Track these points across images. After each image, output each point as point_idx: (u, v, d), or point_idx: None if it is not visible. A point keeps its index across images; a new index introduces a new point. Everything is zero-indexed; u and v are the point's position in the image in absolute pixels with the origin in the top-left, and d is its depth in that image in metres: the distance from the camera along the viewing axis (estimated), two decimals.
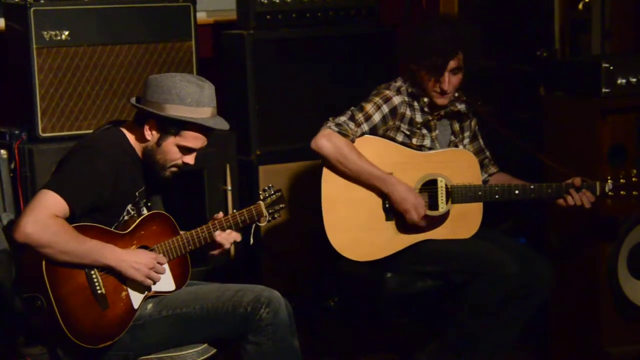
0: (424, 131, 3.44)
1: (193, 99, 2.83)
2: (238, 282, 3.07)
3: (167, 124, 2.85)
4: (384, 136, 3.41)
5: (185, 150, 2.89)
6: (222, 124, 2.91)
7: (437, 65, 3.32)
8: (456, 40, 3.32)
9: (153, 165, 2.91)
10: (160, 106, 2.83)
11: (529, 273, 3.33)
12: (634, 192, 3.37)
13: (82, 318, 2.74)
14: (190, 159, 2.90)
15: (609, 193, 3.38)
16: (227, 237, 3.00)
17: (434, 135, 3.46)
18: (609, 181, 3.37)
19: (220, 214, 3.02)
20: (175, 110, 2.83)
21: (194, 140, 2.88)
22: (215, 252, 3.05)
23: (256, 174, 4.06)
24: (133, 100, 2.93)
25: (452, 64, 3.34)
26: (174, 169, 2.92)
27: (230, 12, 4.30)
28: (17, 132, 3.73)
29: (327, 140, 3.31)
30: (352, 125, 3.34)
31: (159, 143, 2.87)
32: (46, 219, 2.67)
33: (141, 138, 2.90)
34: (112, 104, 3.82)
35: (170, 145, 2.87)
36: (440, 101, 3.40)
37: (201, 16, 4.22)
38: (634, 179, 3.37)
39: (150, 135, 2.87)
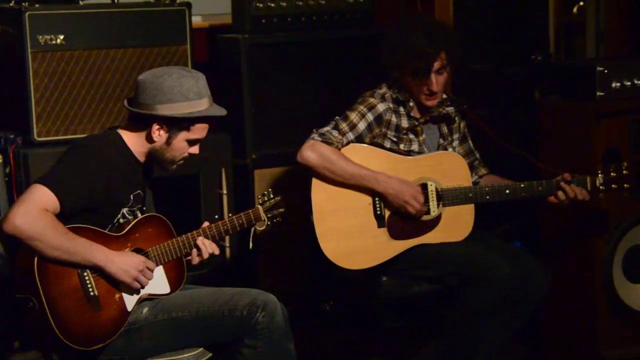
0: (411, 136, 3.44)
1: (194, 92, 2.87)
2: (234, 286, 3.07)
3: (176, 123, 2.87)
4: (371, 144, 3.41)
5: (192, 142, 2.93)
6: (221, 109, 2.96)
7: (422, 69, 3.31)
8: (436, 41, 3.31)
9: (161, 163, 2.95)
10: (168, 107, 2.85)
11: (524, 276, 3.33)
12: (625, 185, 3.37)
13: (74, 319, 2.73)
14: (196, 149, 2.96)
15: (600, 187, 3.37)
16: (209, 247, 2.97)
17: (421, 139, 3.46)
18: (600, 175, 3.37)
19: (206, 223, 3.01)
20: (183, 108, 2.86)
21: (202, 131, 2.93)
22: (193, 259, 3.01)
23: (251, 178, 4.06)
24: (126, 103, 2.93)
25: (436, 65, 3.33)
26: (181, 162, 2.97)
27: (225, 16, 4.30)
28: (12, 136, 3.72)
29: (311, 151, 3.31)
30: (335, 133, 3.34)
31: (168, 142, 2.90)
32: (36, 211, 2.67)
33: (143, 140, 2.91)
34: (108, 108, 3.82)
35: (180, 141, 2.91)
36: (430, 103, 3.40)
37: (196, 20, 4.22)
38: (624, 172, 3.36)
39: (159, 136, 2.89)
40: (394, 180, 3.32)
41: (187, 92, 2.86)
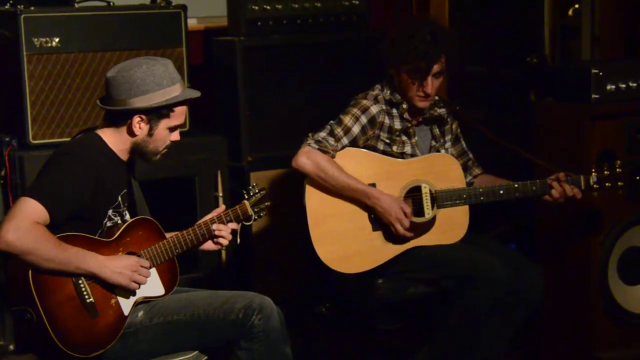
0: (404, 138, 3.45)
1: (167, 79, 2.87)
2: (229, 288, 3.07)
3: (156, 112, 2.87)
4: (365, 146, 3.41)
5: (173, 129, 2.93)
6: (195, 91, 2.96)
7: (421, 70, 3.32)
8: (439, 44, 3.32)
9: (144, 155, 2.94)
10: (145, 98, 2.84)
11: (520, 278, 3.33)
12: (619, 183, 3.37)
13: (73, 328, 2.73)
14: (176, 136, 2.95)
15: (594, 186, 3.37)
16: (226, 229, 3.00)
17: (414, 141, 3.46)
18: (593, 174, 3.37)
19: (222, 207, 3.04)
20: (159, 97, 2.85)
21: (180, 116, 2.93)
22: (214, 246, 3.05)
23: (247, 180, 4.06)
24: (99, 103, 2.92)
25: (435, 68, 3.34)
26: (165, 151, 2.96)
27: (221, 18, 4.30)
28: (7, 139, 3.72)
29: (306, 158, 3.32)
30: (331, 140, 3.35)
31: (150, 133, 2.90)
32: (27, 226, 2.67)
33: (124, 137, 2.90)
34: (103, 111, 3.80)
35: (162, 130, 2.90)
36: (422, 104, 3.40)
37: (192, 23, 4.22)
38: (618, 170, 3.36)
39: (139, 129, 2.89)
40: (384, 198, 3.32)
41: (160, 80, 2.85)
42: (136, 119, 2.87)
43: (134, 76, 2.83)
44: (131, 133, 2.89)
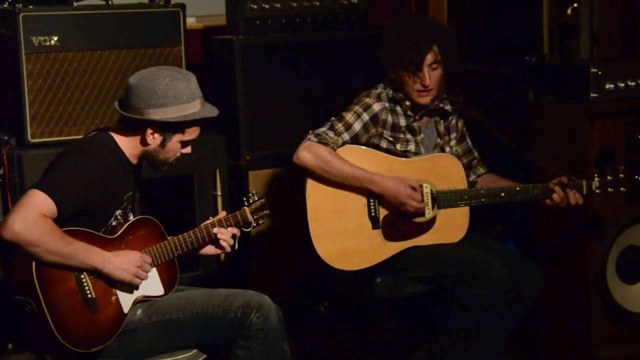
0: (409, 136, 3.45)
1: (188, 94, 2.87)
2: (228, 287, 3.07)
3: (172, 127, 2.88)
4: (367, 144, 3.41)
5: (185, 143, 2.95)
6: (213, 109, 2.97)
7: (414, 61, 3.32)
8: (428, 34, 3.33)
9: (153, 164, 2.96)
10: (163, 111, 2.85)
11: (518, 277, 3.33)
12: (621, 189, 3.37)
13: (74, 323, 2.74)
14: (188, 149, 2.97)
15: (596, 191, 3.37)
16: (227, 233, 3.01)
17: (419, 139, 3.46)
18: (596, 179, 3.37)
19: (223, 213, 3.06)
20: (178, 111, 2.86)
21: (195, 132, 2.95)
22: (215, 251, 3.06)
23: (246, 179, 4.06)
24: (117, 106, 2.92)
25: (429, 58, 3.34)
26: (173, 162, 2.98)
27: (219, 17, 4.30)
28: (5, 137, 3.72)
29: (307, 152, 3.31)
30: (331, 134, 3.35)
31: (163, 144, 2.91)
32: (34, 217, 2.67)
33: (137, 143, 2.91)
34: (102, 109, 3.82)
35: (174, 143, 2.92)
36: (423, 100, 3.40)
37: (190, 21, 4.22)
38: (621, 175, 3.36)
39: (153, 139, 2.90)
40: (390, 181, 3.32)
41: (181, 95, 2.86)
42: (150, 130, 2.88)
43: (156, 87, 2.84)
44: (144, 142, 2.90)
